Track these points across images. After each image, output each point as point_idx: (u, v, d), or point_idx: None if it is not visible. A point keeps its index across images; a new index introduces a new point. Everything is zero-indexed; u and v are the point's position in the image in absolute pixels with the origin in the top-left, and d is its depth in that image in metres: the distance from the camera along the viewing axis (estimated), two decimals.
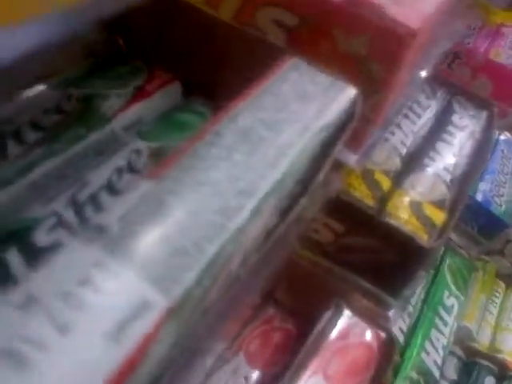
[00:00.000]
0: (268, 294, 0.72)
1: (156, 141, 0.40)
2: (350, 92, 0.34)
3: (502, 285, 1.02)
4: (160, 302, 0.22)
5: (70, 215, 0.33)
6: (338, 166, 0.45)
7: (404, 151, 0.71)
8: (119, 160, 0.37)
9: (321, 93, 0.33)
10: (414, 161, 0.71)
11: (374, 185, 0.64)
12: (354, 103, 0.34)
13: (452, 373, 0.79)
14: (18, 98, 0.39)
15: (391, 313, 0.66)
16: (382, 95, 0.43)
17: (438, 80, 0.80)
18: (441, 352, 0.74)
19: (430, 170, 0.71)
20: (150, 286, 0.22)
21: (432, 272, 0.83)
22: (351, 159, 0.46)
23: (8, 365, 0.18)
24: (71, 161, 0.36)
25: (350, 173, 0.60)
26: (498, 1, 0.98)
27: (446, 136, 0.79)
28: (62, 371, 0.19)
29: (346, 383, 0.61)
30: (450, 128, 0.81)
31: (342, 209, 0.60)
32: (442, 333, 0.76)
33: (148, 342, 0.21)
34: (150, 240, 0.24)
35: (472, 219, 0.88)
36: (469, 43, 0.99)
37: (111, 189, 0.35)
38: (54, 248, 0.30)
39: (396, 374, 0.68)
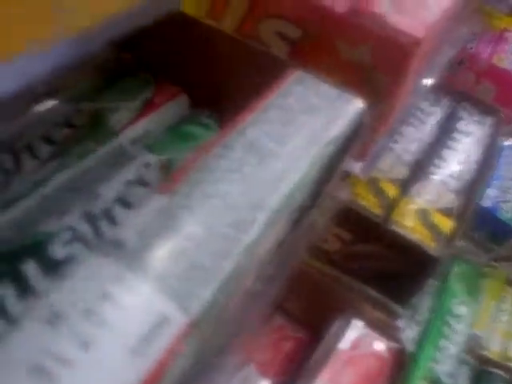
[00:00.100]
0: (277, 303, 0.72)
1: (164, 153, 0.40)
2: (357, 104, 0.34)
3: None
4: (180, 318, 0.22)
5: (84, 228, 0.33)
6: (345, 175, 0.45)
7: (409, 159, 0.71)
8: (129, 173, 0.37)
9: (327, 105, 0.33)
10: (420, 168, 0.71)
11: (380, 193, 0.64)
12: (361, 115, 0.34)
13: (465, 382, 0.78)
14: (30, 112, 0.39)
15: (400, 322, 0.65)
16: (387, 104, 0.43)
17: (442, 87, 0.80)
18: (451, 360, 0.73)
19: (436, 178, 0.71)
20: (169, 301, 0.22)
21: (440, 280, 0.82)
22: (356, 168, 0.46)
23: (34, 380, 0.19)
24: (82, 175, 0.36)
25: (357, 182, 0.60)
26: (502, 6, 0.98)
27: (451, 143, 0.78)
28: None
29: None
30: (456, 134, 0.81)
31: (350, 218, 0.60)
32: (451, 341, 0.75)
33: (169, 356, 0.21)
34: (167, 254, 0.24)
35: (480, 226, 0.88)
36: (472, 48, 0.99)
37: (124, 202, 0.35)
38: (70, 261, 0.30)
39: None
